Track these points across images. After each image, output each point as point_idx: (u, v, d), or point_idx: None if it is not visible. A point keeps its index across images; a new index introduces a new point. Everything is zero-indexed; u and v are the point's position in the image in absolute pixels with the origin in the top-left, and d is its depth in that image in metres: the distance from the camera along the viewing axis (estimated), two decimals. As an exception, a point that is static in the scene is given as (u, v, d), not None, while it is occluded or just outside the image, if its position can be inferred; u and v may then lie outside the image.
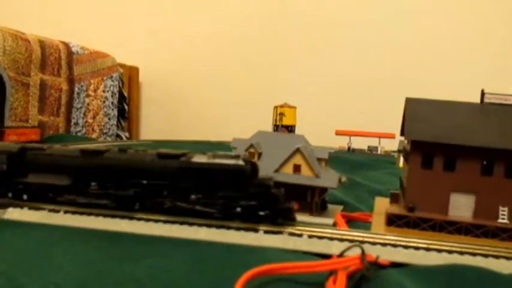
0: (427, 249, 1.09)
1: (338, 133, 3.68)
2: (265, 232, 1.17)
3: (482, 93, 1.45)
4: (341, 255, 0.96)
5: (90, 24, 5.03)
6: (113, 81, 4.43)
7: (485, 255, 1.06)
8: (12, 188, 1.37)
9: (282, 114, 4.04)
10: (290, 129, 4.09)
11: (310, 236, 1.15)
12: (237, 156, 1.24)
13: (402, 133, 1.47)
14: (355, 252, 0.94)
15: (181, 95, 4.91)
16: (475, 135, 1.33)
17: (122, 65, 4.63)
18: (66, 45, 4.00)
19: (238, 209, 1.20)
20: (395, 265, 1.05)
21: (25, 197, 1.36)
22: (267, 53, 4.66)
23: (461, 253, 1.07)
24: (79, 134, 4.04)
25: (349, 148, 3.67)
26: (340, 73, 4.44)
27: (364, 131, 3.61)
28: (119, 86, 4.51)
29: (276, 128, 4.09)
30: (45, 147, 1.41)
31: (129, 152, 1.34)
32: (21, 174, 1.37)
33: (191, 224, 1.21)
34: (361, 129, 3.70)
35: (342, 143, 3.75)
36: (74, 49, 4.06)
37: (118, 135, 4.47)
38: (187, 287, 0.87)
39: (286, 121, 4.05)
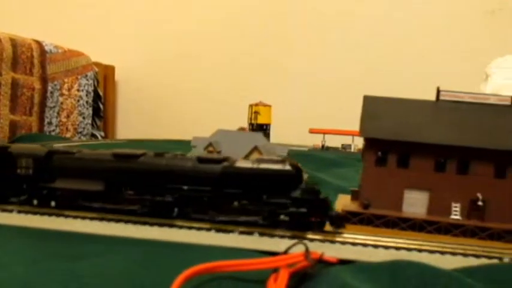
0: (375, 246, 1.10)
1: (312, 131, 3.70)
2: (217, 231, 1.17)
3: (438, 91, 1.47)
4: (285, 252, 0.96)
5: (65, 23, 4.98)
6: (87, 80, 4.38)
7: (431, 252, 1.08)
8: (38, 194, 1.30)
9: (257, 112, 4.04)
10: (265, 127, 4.09)
11: (261, 234, 1.15)
12: (282, 161, 1.19)
13: (361, 131, 1.48)
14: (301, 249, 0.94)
15: (157, 94, 4.88)
16: (429, 132, 1.34)
17: (98, 64, 4.59)
18: (39, 44, 3.95)
19: (283, 216, 1.14)
20: (343, 262, 1.05)
21: (53, 203, 1.29)
22: (242, 52, 4.65)
23: (409, 249, 1.09)
24: (53, 133, 3.99)
25: (323, 146, 3.68)
26: (314, 72, 4.45)
27: (338, 129, 3.62)
28: (94, 85, 4.47)
29: (252, 126, 4.09)
30: (75, 150, 1.34)
31: (166, 156, 1.27)
32: (48, 180, 1.30)
33: (144, 223, 1.21)
34: (336, 127, 3.71)
35: (316, 141, 3.76)
36: (47, 48, 4.01)
37: (93, 135, 4.43)
38: (128, 285, 0.87)
39: (261, 120, 4.05)
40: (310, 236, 1.13)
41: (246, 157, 1.45)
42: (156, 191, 1.23)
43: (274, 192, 1.16)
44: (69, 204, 1.28)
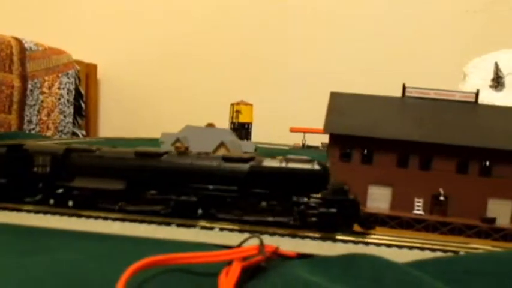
0: (334, 240, 1.10)
1: (292, 130, 3.70)
2: (178, 225, 1.17)
3: (404, 88, 1.48)
4: (239, 245, 0.97)
5: (46, 20, 4.95)
6: (68, 78, 4.35)
7: (389, 245, 1.08)
8: (55, 194, 1.26)
9: (238, 111, 4.04)
10: (247, 126, 4.09)
11: (221, 229, 1.15)
12: (310, 161, 1.16)
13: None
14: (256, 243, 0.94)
15: (140, 93, 4.87)
16: (393, 128, 1.35)
17: (79, 62, 4.56)
18: (19, 41, 3.92)
19: (314, 218, 1.11)
20: (302, 256, 1.05)
21: (70, 203, 1.25)
22: (224, 51, 4.65)
23: (367, 243, 1.09)
24: (33, 131, 3.96)
25: (303, 145, 3.69)
26: (295, 72, 4.46)
27: (318, 128, 3.62)
28: (76, 83, 4.44)
29: (233, 125, 4.09)
30: (94, 148, 1.30)
31: (190, 154, 1.24)
32: (66, 178, 1.26)
33: (105, 218, 1.20)
34: (316, 126, 3.72)
35: (297, 140, 3.77)
36: (27, 45, 3.98)
37: (74, 133, 4.40)
38: (76, 278, 0.86)
39: (242, 118, 4.05)
40: (340, 237, 1.10)
41: (213, 152, 1.45)
42: (180, 190, 1.19)
43: (303, 192, 1.14)
44: (88, 203, 1.24)
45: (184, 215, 1.18)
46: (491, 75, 3.25)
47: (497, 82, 3.22)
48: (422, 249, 1.07)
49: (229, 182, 1.17)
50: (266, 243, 0.97)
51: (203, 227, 1.16)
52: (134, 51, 4.89)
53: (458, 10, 4.19)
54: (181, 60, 4.76)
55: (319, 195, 1.14)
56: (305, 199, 1.13)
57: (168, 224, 1.17)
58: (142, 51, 4.87)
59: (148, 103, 4.86)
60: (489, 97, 3.06)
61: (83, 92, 4.54)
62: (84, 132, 4.55)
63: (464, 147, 1.29)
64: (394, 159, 1.32)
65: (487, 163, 1.30)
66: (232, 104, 4.07)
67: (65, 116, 4.33)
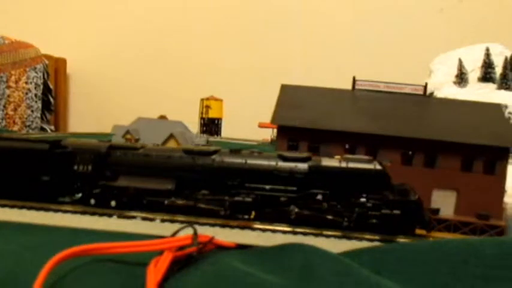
0: (273, 231, 1.10)
1: (261, 126, 3.70)
2: (119, 217, 1.16)
3: (354, 80, 1.49)
4: (173, 235, 0.96)
5: (13, 14, 4.87)
6: (36, 72, 4.28)
7: (328, 236, 1.09)
8: (97, 193, 1.19)
9: (208, 107, 4.04)
10: (216, 122, 4.09)
11: (162, 220, 1.14)
12: (370, 160, 1.11)
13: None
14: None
15: (110, 87, 4.82)
16: (340, 120, 1.36)
17: (48, 57, 4.49)
18: (-16, 35, 3.85)
19: (374, 219, 1.07)
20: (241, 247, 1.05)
21: (113, 203, 1.18)
22: (194, 45, 4.64)
23: (305, 234, 1.09)
24: (-2, 126, 3.90)
25: (271, 140, 3.70)
26: (265, 67, 4.46)
27: (286, 124, 3.64)
28: (44, 78, 4.37)
29: (203, 120, 4.08)
30: (138, 146, 1.23)
31: (243, 153, 1.17)
32: (109, 177, 1.19)
33: (38, 209, 1.17)
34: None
35: (266, 135, 3.77)
36: (-8, 38, 3.91)
37: (42, 128, 4.34)
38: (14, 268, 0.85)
39: (212, 114, 4.05)
40: (403, 240, 1.05)
41: (163, 144, 1.44)
42: (234, 190, 1.13)
43: (363, 192, 1.09)
44: (134, 203, 1.18)
45: (239, 216, 1.13)
46: (456, 72, 3.29)
47: (461, 78, 3.26)
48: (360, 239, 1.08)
49: (288, 182, 1.12)
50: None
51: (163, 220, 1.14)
52: (104, 46, 4.84)
53: (426, 8, 4.23)
54: (152, 55, 4.72)
55: (380, 196, 1.09)
56: (365, 200, 1.09)
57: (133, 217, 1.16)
58: (113, 47, 4.82)
59: (118, 98, 4.82)
60: (453, 93, 3.10)
61: (51, 86, 4.47)
62: (52, 127, 4.49)
63: (409, 138, 1.31)
64: (340, 150, 1.33)
65: (432, 154, 1.32)
66: (202, 99, 4.05)
67: (32, 111, 4.26)
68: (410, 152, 1.31)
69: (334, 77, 4.05)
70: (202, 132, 4.02)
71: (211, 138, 3.82)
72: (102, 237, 1.06)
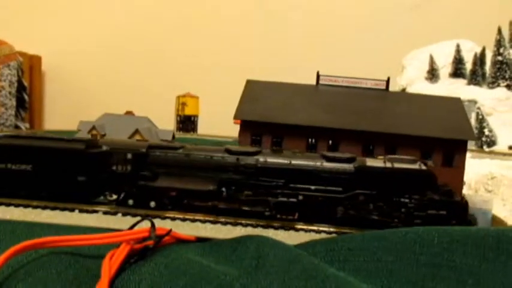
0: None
1: (236, 123, 3.71)
2: (80, 211, 1.16)
3: (318, 75, 1.51)
4: (131, 228, 0.97)
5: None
6: (10, 69, 4.23)
7: (287, 229, 1.11)
8: (135, 194, 1.17)
9: (184, 104, 4.04)
10: (193, 119, 4.09)
11: (124, 214, 1.15)
12: (414, 161, 1.12)
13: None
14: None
15: (86, 85, 4.79)
16: (302, 115, 1.38)
17: (22, 54, 4.44)
18: (-45, 31, 3.79)
19: (418, 220, 1.06)
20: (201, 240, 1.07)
21: (152, 204, 1.16)
22: (170, 42, 4.63)
23: (265, 227, 1.11)
24: (-29, 124, 3.85)
25: (247, 136, 3.71)
26: (241, 64, 4.47)
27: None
28: (18, 75, 4.32)
29: (179, 117, 4.08)
30: (177, 145, 1.21)
31: (286, 153, 1.16)
32: (148, 178, 1.17)
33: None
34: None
35: (242, 131, 3.78)
36: (-36, 35, 3.86)
37: (17, 126, 4.29)
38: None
39: (188, 111, 4.05)
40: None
41: (129, 139, 1.45)
42: (279, 191, 1.12)
43: (408, 193, 1.09)
44: (174, 205, 1.16)
45: (284, 217, 1.12)
46: (427, 67, 3.35)
47: (432, 74, 3.32)
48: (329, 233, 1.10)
49: (333, 182, 1.11)
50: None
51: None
52: (80, 43, 4.80)
53: (400, 4, 4.28)
54: (128, 52, 4.70)
55: (426, 197, 1.09)
56: (411, 200, 1.09)
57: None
58: (89, 44, 4.79)
59: (94, 95, 4.79)
60: (424, 88, 3.16)
61: (26, 84, 4.43)
62: (27, 125, 4.44)
63: (370, 132, 1.33)
64: (303, 144, 1.35)
65: (391, 148, 1.35)
66: (178, 97, 4.05)
67: (6, 109, 4.21)
68: (371, 146, 1.34)
69: (310, 73, 4.09)
70: (179, 129, 4.01)
71: (188, 135, 3.83)
72: (65, 230, 1.07)
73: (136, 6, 4.69)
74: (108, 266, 0.85)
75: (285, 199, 1.11)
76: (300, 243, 1.00)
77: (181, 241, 1.04)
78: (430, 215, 1.07)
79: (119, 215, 1.16)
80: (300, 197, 1.11)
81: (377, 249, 0.89)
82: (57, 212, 1.17)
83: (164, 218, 1.12)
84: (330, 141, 1.34)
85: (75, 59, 4.83)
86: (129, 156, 1.16)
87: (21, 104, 4.34)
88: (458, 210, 1.08)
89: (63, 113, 4.83)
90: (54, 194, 1.18)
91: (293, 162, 1.13)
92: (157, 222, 1.10)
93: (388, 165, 1.11)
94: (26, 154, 1.19)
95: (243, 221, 1.11)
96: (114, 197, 1.20)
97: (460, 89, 3.12)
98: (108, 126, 1.47)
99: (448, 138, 1.34)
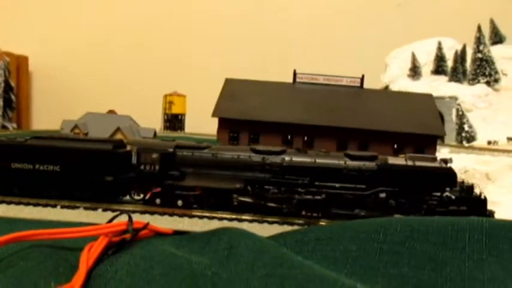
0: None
1: (222, 120, 3.75)
2: (62, 207, 1.20)
3: (294, 73, 1.55)
4: (109, 222, 1.01)
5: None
6: (-4, 70, 4.25)
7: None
8: (163, 193, 1.19)
9: (171, 102, 4.07)
10: (180, 117, 4.12)
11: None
12: (434, 159, 1.16)
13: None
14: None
15: (73, 84, 4.80)
16: (279, 112, 1.42)
17: (9, 54, 4.45)
18: None
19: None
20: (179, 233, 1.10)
21: (179, 202, 1.18)
22: (158, 43, 4.66)
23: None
24: (-43, 124, 3.85)
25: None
26: (228, 63, 4.50)
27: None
28: (5, 75, 4.33)
29: (166, 116, 4.11)
30: (204, 145, 1.23)
31: (310, 153, 1.20)
32: (176, 177, 1.19)
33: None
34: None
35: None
36: (-51, 36, 3.86)
37: (4, 126, 4.30)
38: None
39: (175, 109, 4.08)
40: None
41: (110, 137, 1.48)
42: (304, 189, 1.15)
43: (429, 190, 1.13)
44: (201, 203, 1.18)
45: (308, 214, 1.15)
46: (410, 65, 3.40)
47: (414, 71, 3.37)
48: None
49: (356, 180, 1.14)
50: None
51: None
52: (67, 43, 4.81)
53: (384, 3, 4.34)
54: (115, 52, 4.72)
55: (447, 193, 1.13)
56: (433, 197, 1.12)
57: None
58: (76, 44, 4.80)
59: (82, 94, 4.80)
60: (407, 85, 3.21)
61: (13, 84, 4.44)
62: (15, 125, 4.46)
63: (343, 128, 1.38)
64: (279, 140, 1.39)
65: (365, 143, 1.39)
66: (165, 95, 4.07)
67: (-7, 109, 4.23)
68: (345, 142, 1.38)
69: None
70: (166, 128, 4.04)
71: (176, 134, 3.86)
72: (46, 225, 1.10)
73: (124, 7, 4.71)
74: (86, 258, 0.88)
75: (310, 197, 1.14)
76: (272, 235, 1.04)
77: (159, 234, 1.08)
78: (451, 211, 1.11)
79: (99, 210, 1.19)
80: (325, 195, 1.14)
81: (343, 239, 0.94)
82: (40, 208, 1.20)
83: (192, 216, 1.15)
84: (306, 138, 1.38)
85: (63, 58, 4.84)
86: (157, 156, 1.18)
87: (8, 104, 4.35)
88: (478, 206, 1.11)
89: (50, 113, 4.83)
90: (82, 193, 1.21)
91: (318, 160, 1.16)
92: (185, 220, 1.13)
93: (410, 163, 1.14)
94: (55, 155, 1.22)
95: (269, 219, 1.14)
96: (140, 196, 1.24)
97: (441, 86, 3.18)
98: (90, 125, 1.50)
99: (419, 133, 1.39)
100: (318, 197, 1.14)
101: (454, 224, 0.92)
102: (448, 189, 1.14)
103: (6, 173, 1.24)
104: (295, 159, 1.16)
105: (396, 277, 0.85)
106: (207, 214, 1.15)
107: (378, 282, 0.84)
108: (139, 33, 4.64)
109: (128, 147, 1.23)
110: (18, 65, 4.64)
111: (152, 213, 1.14)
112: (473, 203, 1.11)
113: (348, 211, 1.14)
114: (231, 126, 1.36)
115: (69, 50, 4.81)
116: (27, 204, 1.21)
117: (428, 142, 1.39)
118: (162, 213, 1.13)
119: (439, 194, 1.13)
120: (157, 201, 1.20)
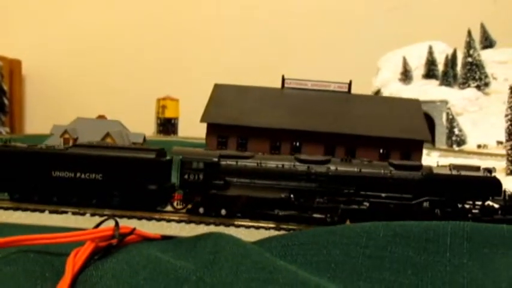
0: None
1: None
2: (50, 212, 1.21)
3: (283, 79, 1.57)
4: (96, 227, 1.01)
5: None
6: (-11, 74, 4.25)
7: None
8: (207, 202, 1.20)
9: (164, 106, 4.08)
10: (173, 121, 4.13)
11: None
12: (478, 168, 1.15)
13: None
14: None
15: (67, 88, 4.80)
16: (267, 117, 1.43)
17: (3, 58, 4.45)
18: None
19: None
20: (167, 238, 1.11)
21: (223, 212, 1.18)
22: (151, 47, 4.67)
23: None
24: (-51, 129, 3.85)
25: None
26: (221, 67, 4.52)
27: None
28: (-2, 79, 4.33)
29: (159, 120, 4.12)
30: (248, 154, 1.23)
31: (354, 161, 1.20)
32: (220, 186, 1.19)
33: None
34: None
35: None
36: None
37: (-3, 130, 4.30)
38: None
39: (168, 113, 4.09)
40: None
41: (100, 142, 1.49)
42: (350, 198, 1.15)
43: (476, 199, 1.13)
44: (246, 213, 1.18)
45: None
46: (401, 69, 3.43)
47: (405, 75, 3.39)
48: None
49: (402, 189, 1.15)
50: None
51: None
52: (60, 48, 4.81)
53: (376, 8, 4.36)
54: (108, 56, 4.73)
55: (492, 202, 1.14)
56: (477, 206, 1.13)
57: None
58: (69, 48, 4.80)
59: (74, 99, 4.80)
60: (398, 89, 3.23)
61: (5, 88, 4.43)
62: (8, 129, 4.45)
63: (331, 133, 1.39)
64: (266, 145, 1.41)
65: (352, 148, 1.41)
66: (158, 99, 4.08)
67: (-14, 113, 4.22)
68: (332, 147, 1.40)
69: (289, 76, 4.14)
70: (159, 132, 4.05)
71: (169, 138, 3.87)
72: (35, 230, 1.11)
73: (117, 13, 4.72)
74: (72, 263, 0.89)
75: (355, 206, 1.15)
76: (258, 240, 1.06)
77: (147, 239, 1.09)
78: (497, 220, 1.10)
79: (87, 215, 1.20)
80: (371, 204, 1.15)
81: (326, 244, 0.95)
82: (28, 212, 1.21)
83: (239, 226, 1.15)
84: (294, 143, 1.40)
85: (56, 63, 4.84)
86: (201, 165, 1.18)
87: (1, 108, 4.35)
88: None
89: (43, 117, 4.82)
90: (125, 202, 1.22)
91: (363, 170, 1.17)
92: (229, 230, 1.13)
93: (455, 172, 1.14)
94: (97, 163, 1.22)
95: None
96: (182, 205, 1.24)
97: (432, 90, 3.20)
98: (80, 130, 1.51)
99: (406, 138, 1.41)
100: (363, 207, 1.14)
101: (436, 229, 0.93)
102: (490, 197, 1.15)
103: (46, 181, 1.24)
104: (341, 168, 1.17)
105: (378, 281, 0.86)
106: (253, 224, 1.16)
107: (360, 286, 0.85)
108: (133, 38, 4.65)
109: (168, 156, 1.23)
110: (12, 69, 4.64)
111: (198, 222, 1.16)
112: None
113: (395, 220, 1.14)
114: (219, 131, 1.38)
115: (63, 53, 4.82)
116: (16, 209, 1.22)
117: (414, 147, 1.41)
118: (207, 223, 1.15)
119: (481, 202, 1.14)
120: (201, 210, 1.20)
